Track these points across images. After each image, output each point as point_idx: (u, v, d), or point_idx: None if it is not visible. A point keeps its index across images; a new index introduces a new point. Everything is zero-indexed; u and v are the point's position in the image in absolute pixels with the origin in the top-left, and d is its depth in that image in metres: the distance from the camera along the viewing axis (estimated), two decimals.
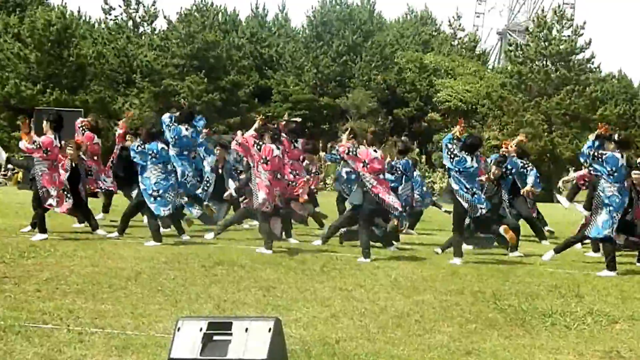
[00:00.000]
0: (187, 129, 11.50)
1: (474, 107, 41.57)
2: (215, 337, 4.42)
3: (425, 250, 11.01)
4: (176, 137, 11.35)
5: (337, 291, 7.42)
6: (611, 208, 9.21)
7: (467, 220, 10.29)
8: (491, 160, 11.78)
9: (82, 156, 11.62)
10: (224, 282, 7.66)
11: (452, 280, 8.32)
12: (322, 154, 20.25)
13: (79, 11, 45.69)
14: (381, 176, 9.95)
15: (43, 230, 10.43)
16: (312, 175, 11.96)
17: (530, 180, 12.27)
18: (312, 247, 10.77)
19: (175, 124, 11.40)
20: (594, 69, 40.32)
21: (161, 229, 10.83)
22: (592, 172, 9.89)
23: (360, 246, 9.83)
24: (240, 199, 11.89)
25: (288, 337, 5.17)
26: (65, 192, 10.72)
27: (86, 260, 8.78)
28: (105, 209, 13.45)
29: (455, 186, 9.69)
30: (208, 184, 12.21)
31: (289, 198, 10.98)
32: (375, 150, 9.82)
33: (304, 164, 11.95)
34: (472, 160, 9.67)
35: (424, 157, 38.47)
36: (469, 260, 9.88)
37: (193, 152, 11.83)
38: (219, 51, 41.36)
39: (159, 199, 10.39)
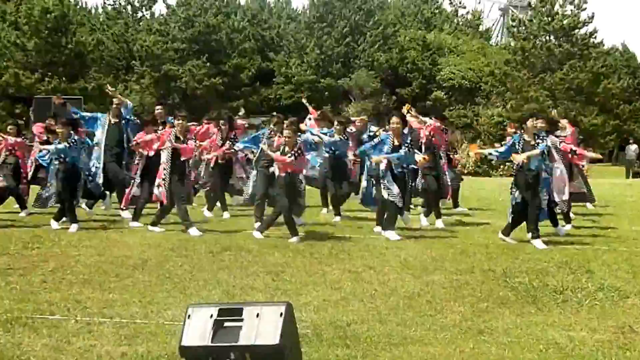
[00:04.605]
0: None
1: (477, 84, 41.30)
2: (226, 324, 4.36)
3: (433, 230, 10.93)
4: None
5: (346, 274, 7.38)
6: None
7: None
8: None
9: None
10: (232, 268, 7.62)
11: (462, 259, 8.26)
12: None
13: None
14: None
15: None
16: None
17: None
18: (320, 230, 10.71)
19: None
20: (597, 44, 39.97)
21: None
22: None
23: None
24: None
25: (299, 321, 5.12)
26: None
27: (91, 249, 8.75)
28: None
29: None
30: None
31: None
32: None
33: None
34: None
35: None
36: (477, 238, 9.81)
37: None
38: (220, 34, 41.12)
39: None
